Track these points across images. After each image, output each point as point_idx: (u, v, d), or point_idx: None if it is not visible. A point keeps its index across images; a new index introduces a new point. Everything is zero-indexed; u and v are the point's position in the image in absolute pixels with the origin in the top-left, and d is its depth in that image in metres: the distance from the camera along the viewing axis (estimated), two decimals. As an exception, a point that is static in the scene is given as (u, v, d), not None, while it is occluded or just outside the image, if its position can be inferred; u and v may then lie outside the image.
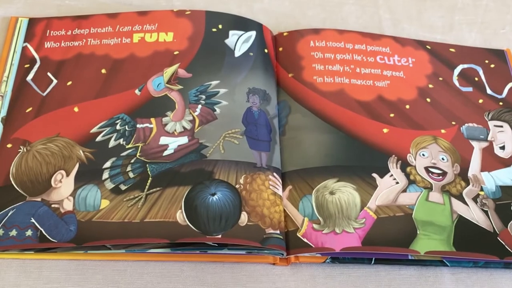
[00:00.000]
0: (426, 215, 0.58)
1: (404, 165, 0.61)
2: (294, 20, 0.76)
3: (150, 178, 0.57)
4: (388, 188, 0.59)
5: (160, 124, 0.60)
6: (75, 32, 0.67)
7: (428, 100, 0.67)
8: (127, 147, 0.59)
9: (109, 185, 0.56)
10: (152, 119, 0.61)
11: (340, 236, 0.56)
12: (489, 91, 0.70)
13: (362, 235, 0.56)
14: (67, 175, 0.57)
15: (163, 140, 0.59)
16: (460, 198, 0.60)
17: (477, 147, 0.64)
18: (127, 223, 0.54)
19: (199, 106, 0.62)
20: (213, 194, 0.56)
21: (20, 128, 0.59)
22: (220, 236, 0.54)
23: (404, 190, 0.60)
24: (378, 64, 0.69)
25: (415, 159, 0.62)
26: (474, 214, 0.59)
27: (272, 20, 0.75)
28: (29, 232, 0.53)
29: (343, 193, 0.58)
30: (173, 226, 0.54)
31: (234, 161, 0.58)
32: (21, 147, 0.58)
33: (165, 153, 0.59)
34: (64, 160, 0.57)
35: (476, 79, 0.70)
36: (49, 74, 0.63)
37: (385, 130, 0.64)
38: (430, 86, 0.69)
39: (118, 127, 0.60)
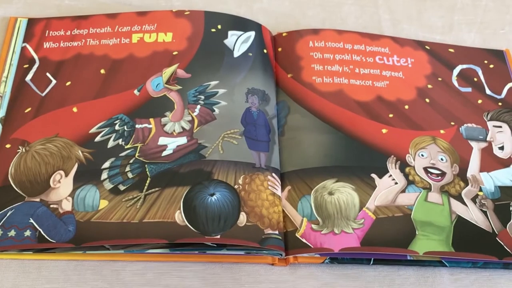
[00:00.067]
0: (425, 216, 0.58)
1: (403, 166, 0.61)
2: (294, 20, 0.76)
3: (149, 179, 0.57)
4: (387, 188, 0.59)
5: (159, 125, 0.60)
6: (74, 32, 0.67)
7: (427, 100, 0.67)
8: (126, 147, 0.59)
9: (108, 185, 0.56)
10: (151, 120, 0.61)
11: (339, 237, 0.56)
12: (488, 92, 0.70)
13: (361, 236, 0.56)
14: (66, 175, 0.57)
15: (162, 140, 0.59)
16: (459, 198, 0.60)
17: (476, 147, 0.64)
18: (125, 224, 0.54)
19: (198, 106, 0.62)
20: (212, 195, 0.56)
21: (19, 128, 0.59)
22: (219, 236, 0.54)
23: (403, 191, 0.60)
24: (377, 64, 0.69)
25: (414, 160, 0.62)
26: (473, 214, 0.59)
27: (271, 20, 0.75)
28: (27, 233, 0.53)
29: (342, 193, 0.58)
30: (172, 227, 0.54)
31: (233, 161, 0.58)
32: (20, 147, 0.58)
33: (164, 153, 0.59)
34: (63, 161, 0.57)
35: (475, 79, 0.70)
36: (48, 74, 0.63)
37: (384, 131, 0.64)
38: (429, 86, 0.69)
39: (117, 127, 0.60)
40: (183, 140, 0.60)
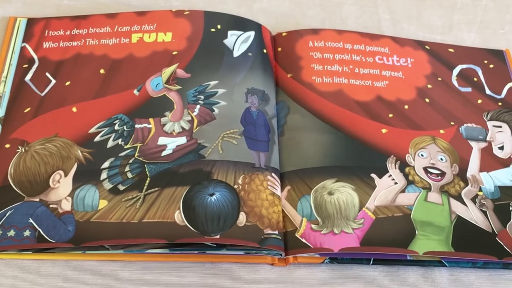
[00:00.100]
0: (425, 216, 0.58)
1: (403, 166, 0.61)
2: (294, 20, 0.76)
3: (148, 179, 0.57)
4: (387, 188, 0.59)
5: (159, 124, 0.60)
6: (73, 32, 0.67)
7: (427, 100, 0.67)
8: (125, 147, 0.59)
9: (108, 185, 0.56)
10: (151, 119, 0.61)
11: (339, 237, 0.56)
12: (488, 92, 0.70)
13: (360, 236, 0.56)
14: (65, 175, 0.57)
15: (162, 140, 0.59)
16: (459, 198, 0.60)
17: (476, 147, 0.64)
18: (125, 224, 0.54)
19: (198, 106, 0.62)
20: (212, 195, 0.56)
21: (18, 128, 0.59)
22: (218, 236, 0.53)
23: (403, 191, 0.60)
24: (377, 64, 0.69)
25: (413, 160, 0.62)
26: (472, 214, 0.59)
27: (271, 20, 0.75)
28: (27, 233, 0.53)
29: (342, 193, 0.58)
30: (171, 227, 0.54)
31: (233, 161, 0.58)
32: (19, 147, 0.58)
33: (164, 153, 0.59)
34: (62, 160, 0.57)
35: (475, 79, 0.70)
36: (47, 74, 0.63)
37: (384, 131, 0.64)
38: (429, 86, 0.69)
39: (116, 127, 0.60)
40: (182, 140, 0.60)
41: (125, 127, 0.60)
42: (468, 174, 0.62)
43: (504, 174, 0.62)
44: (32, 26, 0.67)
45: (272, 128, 0.62)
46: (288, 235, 0.56)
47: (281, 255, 0.55)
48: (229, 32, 0.67)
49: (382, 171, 0.60)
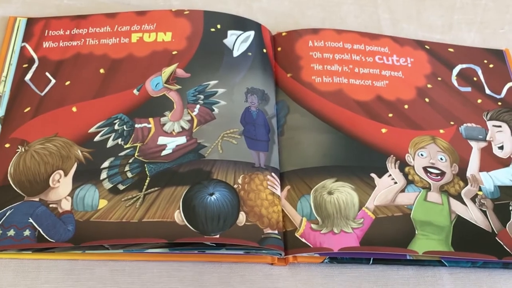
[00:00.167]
0: (425, 215, 0.58)
1: (403, 165, 0.61)
2: (293, 20, 0.76)
3: (148, 178, 0.57)
4: (387, 188, 0.59)
5: (158, 124, 0.60)
6: (73, 32, 0.67)
7: (427, 100, 0.67)
8: (125, 147, 0.59)
9: (107, 185, 0.56)
10: (150, 119, 0.61)
11: (338, 236, 0.56)
12: (487, 91, 0.70)
13: (360, 235, 0.56)
14: (65, 175, 0.57)
15: (161, 140, 0.59)
16: (459, 198, 0.60)
17: (476, 147, 0.64)
18: (125, 223, 0.54)
19: (198, 106, 0.62)
20: (211, 194, 0.56)
21: (18, 128, 0.59)
22: (218, 236, 0.53)
23: (403, 190, 0.60)
24: (377, 64, 0.69)
25: (413, 159, 0.62)
26: (472, 214, 0.59)
27: (271, 19, 0.75)
28: (27, 232, 0.53)
29: (342, 193, 0.58)
30: (171, 226, 0.54)
31: (232, 161, 0.58)
32: (19, 147, 0.58)
33: (163, 153, 0.59)
34: (62, 160, 0.57)
35: (475, 79, 0.70)
36: (47, 74, 0.63)
37: (383, 130, 0.64)
38: (429, 86, 0.69)
39: (116, 127, 0.60)
40: (182, 140, 0.60)
41: (125, 126, 0.60)
42: (468, 174, 0.62)
43: (503, 173, 0.62)
44: (32, 26, 0.67)
45: (272, 127, 0.62)
46: (287, 234, 0.56)
47: (280, 254, 0.55)
48: (229, 32, 0.67)
49: (381, 171, 0.60)
